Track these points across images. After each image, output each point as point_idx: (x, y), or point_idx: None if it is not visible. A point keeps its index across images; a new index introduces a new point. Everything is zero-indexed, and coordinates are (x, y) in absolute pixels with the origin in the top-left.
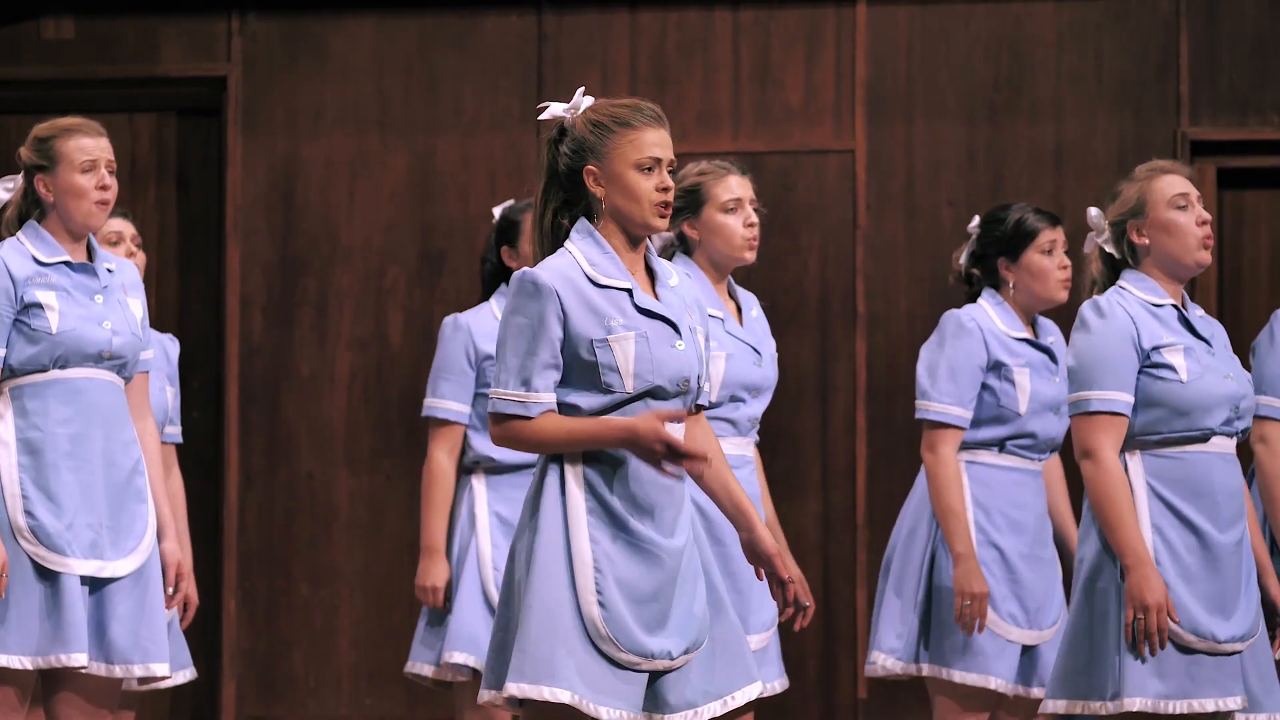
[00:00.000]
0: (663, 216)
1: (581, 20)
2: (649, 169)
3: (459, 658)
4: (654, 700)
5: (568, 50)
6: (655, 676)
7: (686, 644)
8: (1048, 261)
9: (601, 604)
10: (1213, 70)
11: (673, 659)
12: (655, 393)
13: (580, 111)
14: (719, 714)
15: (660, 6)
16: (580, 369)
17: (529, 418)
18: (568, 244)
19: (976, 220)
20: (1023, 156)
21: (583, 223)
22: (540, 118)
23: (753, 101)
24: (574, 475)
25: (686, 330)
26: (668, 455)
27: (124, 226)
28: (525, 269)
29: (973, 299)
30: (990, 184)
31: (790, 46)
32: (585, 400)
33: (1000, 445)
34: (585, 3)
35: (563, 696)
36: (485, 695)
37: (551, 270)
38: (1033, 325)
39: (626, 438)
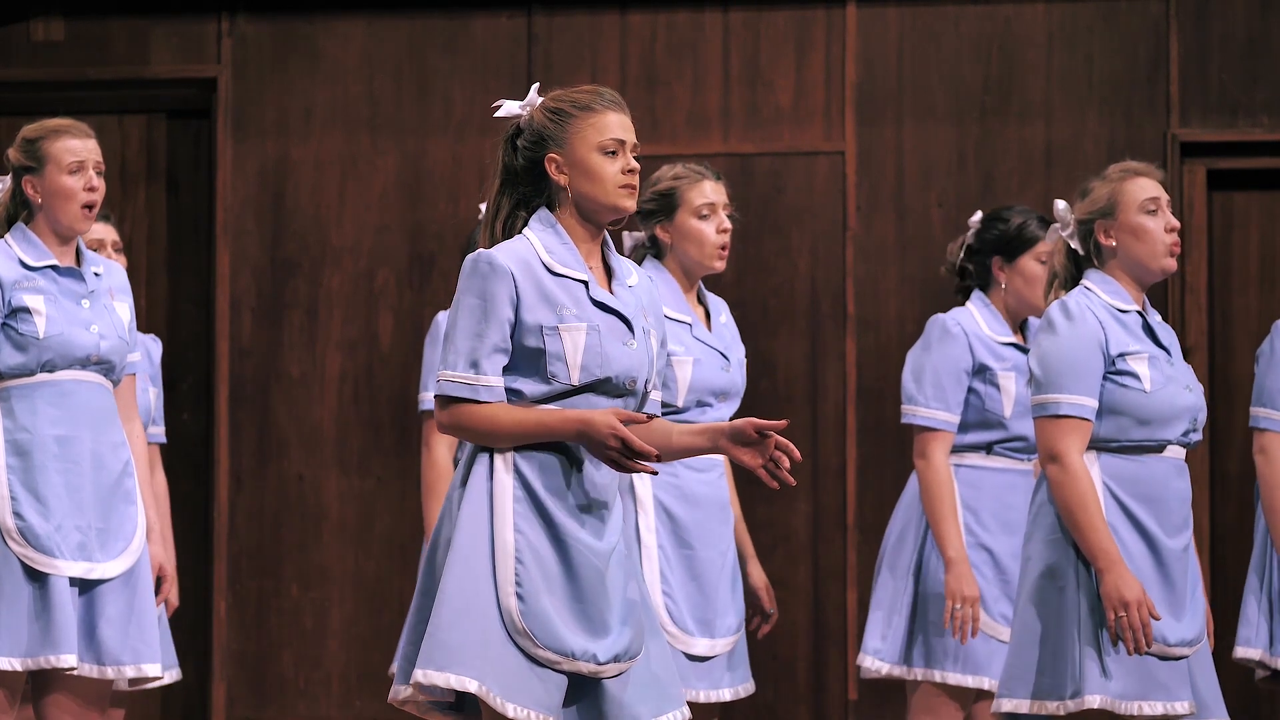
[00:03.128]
0: (630, 198)
1: (571, 21)
2: (612, 152)
3: None
4: (592, 710)
5: (557, 52)
6: (590, 686)
7: (616, 651)
8: (1042, 270)
9: (520, 596)
10: (1203, 72)
11: (599, 664)
12: (600, 387)
13: (537, 105)
14: None
15: (650, 8)
16: (527, 355)
17: (477, 401)
18: (526, 230)
19: (978, 215)
20: (1013, 158)
21: (544, 212)
22: (495, 115)
23: (742, 103)
24: (504, 463)
25: (640, 330)
26: (623, 452)
27: (106, 232)
28: (480, 250)
29: (962, 293)
30: (980, 185)
31: (780, 48)
32: (529, 387)
33: (988, 448)
34: (575, 4)
35: (470, 686)
36: (401, 692)
37: (508, 252)
38: (1021, 329)
39: (581, 430)
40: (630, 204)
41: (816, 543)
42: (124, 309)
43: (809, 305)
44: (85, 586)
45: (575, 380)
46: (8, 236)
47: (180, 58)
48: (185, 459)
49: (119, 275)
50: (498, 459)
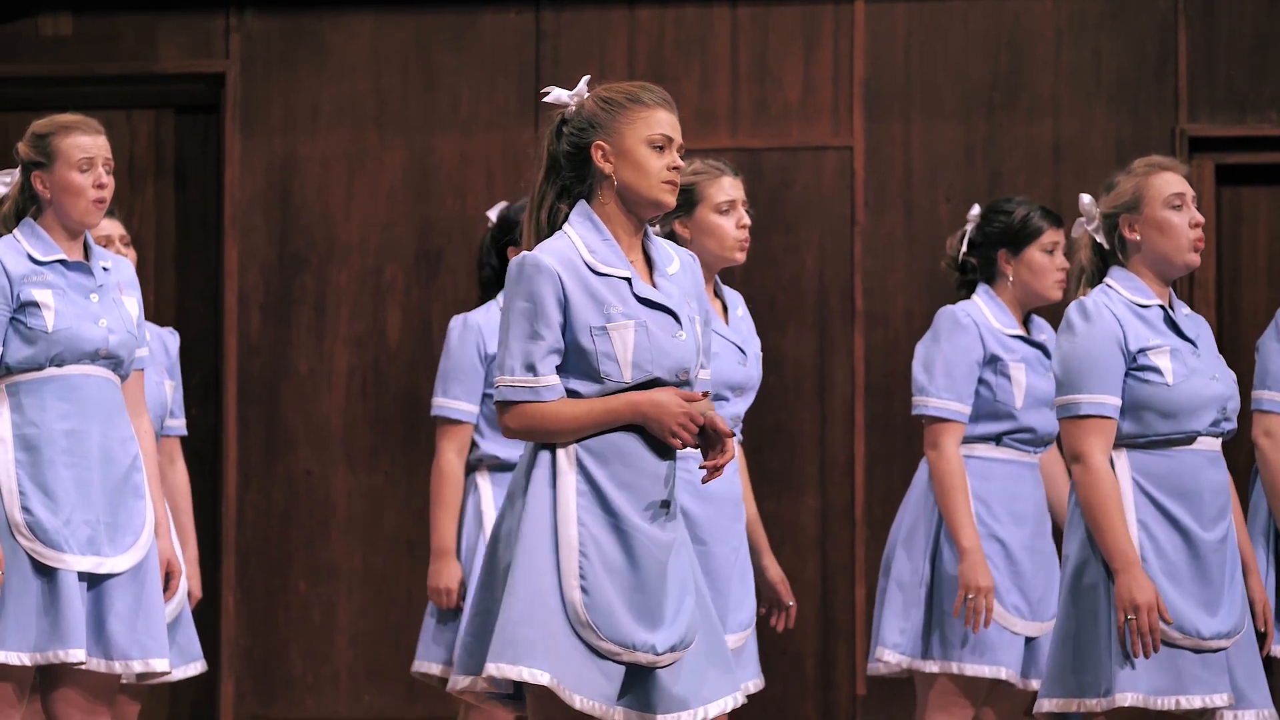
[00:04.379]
0: (671, 193)
1: (580, 17)
2: (660, 147)
3: None
4: (644, 698)
5: (566, 48)
6: (644, 674)
7: (673, 641)
8: (1048, 260)
9: (584, 589)
10: (1211, 67)
11: (657, 654)
12: (653, 384)
13: (586, 95)
14: None
15: (658, 3)
16: (578, 355)
17: (541, 403)
18: (566, 227)
19: (976, 209)
20: (1020, 153)
21: (582, 205)
22: (544, 100)
23: (751, 98)
24: (566, 457)
25: (686, 319)
26: (696, 432)
27: (113, 228)
28: (525, 252)
29: (965, 287)
30: (988, 181)
31: (788, 43)
32: (584, 387)
33: (997, 439)
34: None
35: (542, 679)
36: (461, 682)
37: (552, 252)
38: (1026, 322)
39: (649, 410)
40: (671, 200)
41: (825, 538)
42: (132, 304)
43: (817, 300)
44: (93, 581)
45: (628, 378)
46: (16, 231)
47: (188, 53)
48: (194, 455)
49: (127, 270)
50: (560, 453)
